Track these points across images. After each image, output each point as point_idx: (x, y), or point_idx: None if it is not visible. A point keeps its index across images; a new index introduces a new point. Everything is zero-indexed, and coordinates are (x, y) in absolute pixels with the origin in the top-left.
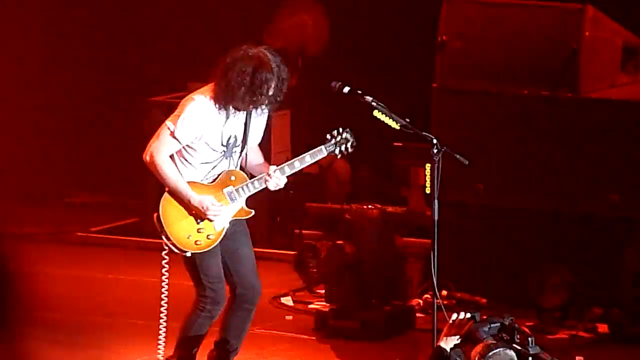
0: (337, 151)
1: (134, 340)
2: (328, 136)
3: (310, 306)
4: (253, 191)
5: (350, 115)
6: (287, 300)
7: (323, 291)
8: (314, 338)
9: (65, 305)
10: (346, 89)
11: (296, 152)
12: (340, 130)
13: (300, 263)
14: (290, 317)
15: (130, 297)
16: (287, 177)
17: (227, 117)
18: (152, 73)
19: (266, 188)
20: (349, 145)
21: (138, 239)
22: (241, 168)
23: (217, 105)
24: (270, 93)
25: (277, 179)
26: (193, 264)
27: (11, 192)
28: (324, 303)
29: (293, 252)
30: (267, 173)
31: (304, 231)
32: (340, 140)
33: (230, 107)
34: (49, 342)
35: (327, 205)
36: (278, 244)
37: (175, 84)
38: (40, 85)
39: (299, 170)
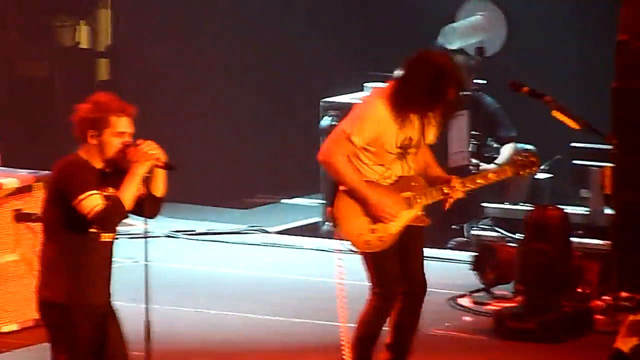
0: (520, 172)
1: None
2: (514, 157)
3: (488, 307)
4: (431, 200)
5: (529, 115)
6: (465, 302)
7: (501, 292)
8: (492, 339)
9: (245, 304)
10: (525, 89)
11: (472, 152)
12: (527, 153)
13: (478, 264)
14: (468, 319)
15: (308, 296)
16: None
17: (403, 120)
18: (328, 74)
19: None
20: (534, 168)
21: (315, 238)
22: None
23: (394, 109)
24: (449, 100)
25: (457, 192)
26: (368, 261)
27: (190, 192)
28: (503, 304)
29: (470, 253)
30: (449, 184)
31: (481, 232)
32: (526, 163)
33: (407, 111)
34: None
35: (504, 206)
36: (455, 244)
37: (351, 84)
38: (222, 87)
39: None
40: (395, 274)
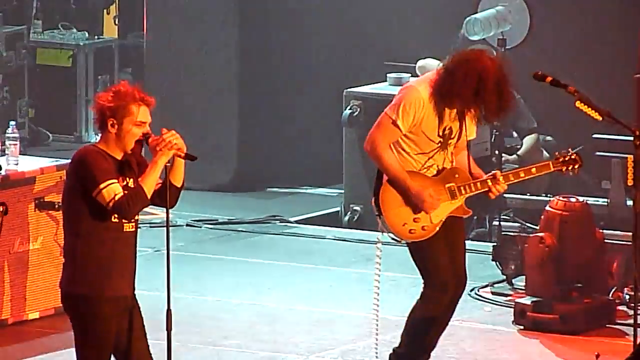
0: (563, 170)
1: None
2: (557, 154)
3: (509, 298)
4: (475, 192)
5: (552, 106)
6: (486, 292)
7: (522, 283)
8: (512, 330)
9: (266, 292)
10: (549, 79)
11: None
12: (570, 150)
13: (500, 255)
14: (489, 309)
15: (331, 286)
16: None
17: (444, 110)
18: (349, 63)
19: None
20: (576, 167)
21: (336, 228)
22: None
23: (435, 98)
24: (489, 100)
25: (501, 186)
26: (417, 252)
27: (215, 181)
28: (523, 295)
29: (492, 244)
30: (493, 177)
31: (502, 223)
32: (568, 160)
33: (448, 104)
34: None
35: (526, 197)
36: (476, 235)
37: (373, 74)
38: (240, 79)
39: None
40: (446, 263)
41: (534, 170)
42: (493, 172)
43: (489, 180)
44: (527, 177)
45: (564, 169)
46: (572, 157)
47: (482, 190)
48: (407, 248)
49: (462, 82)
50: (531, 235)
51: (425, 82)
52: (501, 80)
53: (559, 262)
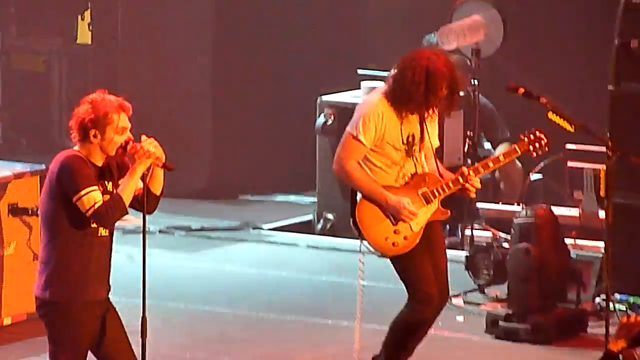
0: (530, 149)
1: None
2: (521, 136)
3: (482, 307)
4: (448, 192)
5: (524, 116)
6: (458, 301)
7: (494, 293)
8: (484, 339)
9: (239, 300)
10: (521, 90)
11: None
12: (533, 130)
13: (472, 264)
14: (461, 318)
15: (301, 294)
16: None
17: (404, 117)
18: (323, 71)
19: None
20: (543, 143)
21: (309, 236)
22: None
23: (392, 106)
24: (443, 95)
25: (473, 180)
26: (400, 264)
27: (188, 188)
28: (496, 305)
29: (464, 252)
30: (462, 174)
31: (475, 232)
32: (534, 139)
33: (404, 108)
34: (225, 335)
35: (498, 206)
36: (448, 244)
37: (346, 82)
38: (213, 86)
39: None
40: (428, 275)
41: (501, 157)
42: (460, 169)
43: (459, 178)
44: (496, 166)
45: (531, 149)
46: (537, 134)
47: (455, 189)
48: (380, 259)
49: (412, 81)
50: (518, 247)
51: (379, 93)
52: (450, 71)
53: (542, 272)
